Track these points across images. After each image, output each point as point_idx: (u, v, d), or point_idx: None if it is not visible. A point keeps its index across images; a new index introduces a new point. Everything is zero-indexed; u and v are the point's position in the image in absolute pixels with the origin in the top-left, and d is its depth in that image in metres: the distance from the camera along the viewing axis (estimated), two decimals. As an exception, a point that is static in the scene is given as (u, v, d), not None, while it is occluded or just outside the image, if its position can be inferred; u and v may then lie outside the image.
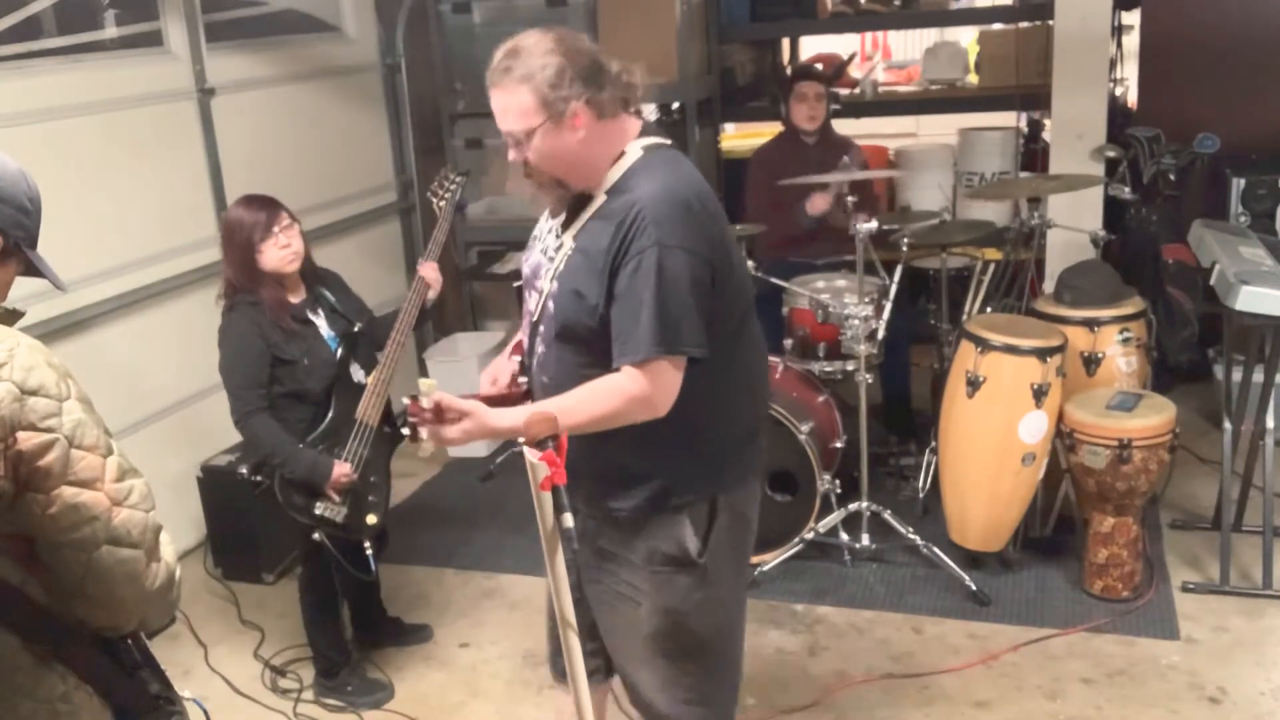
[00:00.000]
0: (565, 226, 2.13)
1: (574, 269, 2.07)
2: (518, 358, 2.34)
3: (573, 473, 1.82)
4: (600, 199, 2.06)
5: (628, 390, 2.01)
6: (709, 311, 2.02)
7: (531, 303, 2.22)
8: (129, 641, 1.59)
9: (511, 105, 2.01)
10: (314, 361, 3.02)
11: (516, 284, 4.87)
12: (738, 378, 2.18)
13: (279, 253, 2.98)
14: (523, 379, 2.32)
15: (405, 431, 2.16)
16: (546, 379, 2.18)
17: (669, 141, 2.13)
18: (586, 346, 2.08)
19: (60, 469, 1.42)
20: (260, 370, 2.95)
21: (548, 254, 2.17)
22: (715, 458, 2.19)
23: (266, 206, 2.98)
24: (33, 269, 1.62)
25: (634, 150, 2.07)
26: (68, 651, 1.51)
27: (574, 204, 2.10)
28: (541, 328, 2.18)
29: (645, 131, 2.11)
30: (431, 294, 3.23)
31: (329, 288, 3.17)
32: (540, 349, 2.20)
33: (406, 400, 2.11)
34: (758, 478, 2.35)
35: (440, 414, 2.11)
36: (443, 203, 3.36)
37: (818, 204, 4.25)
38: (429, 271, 3.21)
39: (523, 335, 2.33)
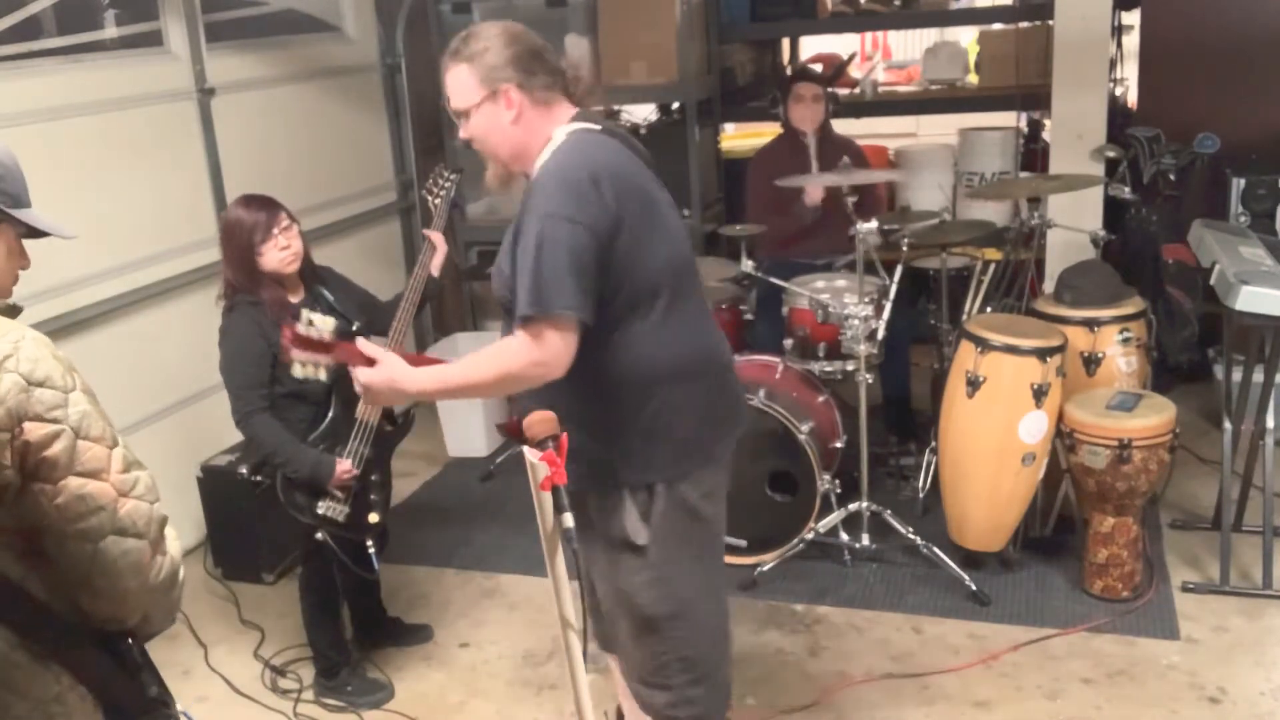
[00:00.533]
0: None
1: (504, 245, 2.26)
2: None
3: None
4: (529, 183, 2.24)
5: (512, 351, 2.12)
6: (597, 282, 2.11)
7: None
8: (129, 642, 1.59)
9: (456, 83, 2.25)
10: None
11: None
12: (668, 364, 2.23)
13: (279, 254, 2.98)
14: None
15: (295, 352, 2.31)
16: None
17: (597, 127, 2.25)
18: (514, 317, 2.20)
19: (67, 459, 1.43)
20: (261, 370, 2.95)
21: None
22: (651, 444, 2.24)
23: (266, 207, 2.98)
24: (31, 230, 1.61)
25: (559, 135, 2.21)
26: (66, 650, 1.51)
27: (510, 181, 2.32)
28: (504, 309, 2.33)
29: (584, 119, 2.24)
30: (437, 259, 3.23)
31: (328, 286, 3.17)
32: (503, 325, 2.35)
33: (290, 330, 2.27)
34: (713, 472, 2.34)
35: (327, 348, 2.29)
36: (437, 200, 3.38)
37: (814, 193, 4.25)
38: (436, 236, 3.24)
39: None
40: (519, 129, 2.22)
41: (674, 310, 2.26)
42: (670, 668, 2.36)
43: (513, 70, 2.20)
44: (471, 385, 2.21)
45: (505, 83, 2.19)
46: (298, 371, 2.49)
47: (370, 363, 2.21)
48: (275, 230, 2.97)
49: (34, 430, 1.41)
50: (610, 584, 2.36)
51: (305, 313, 2.40)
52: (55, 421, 1.43)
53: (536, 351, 2.10)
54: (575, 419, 2.13)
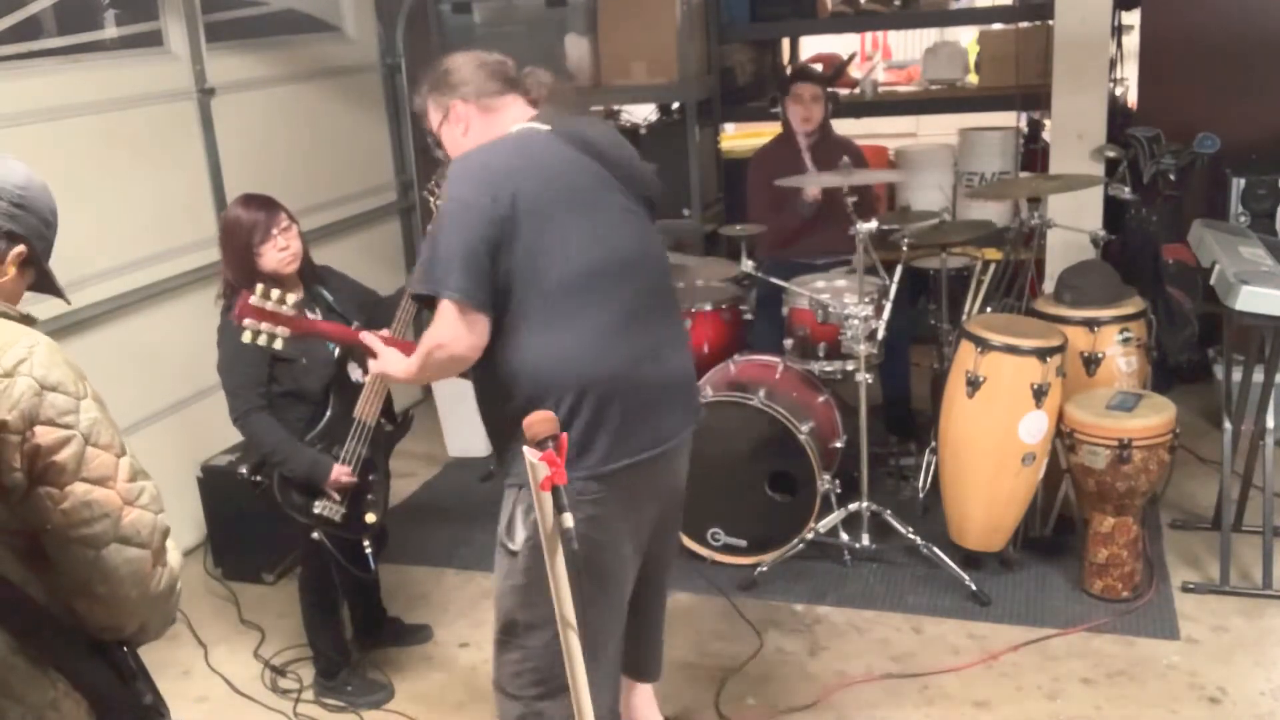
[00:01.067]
0: None
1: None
2: None
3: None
4: None
5: (431, 334, 2.21)
6: (489, 273, 2.16)
7: None
8: (125, 650, 1.60)
9: (426, 113, 2.43)
10: (312, 361, 3.02)
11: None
12: (558, 375, 2.19)
13: (278, 254, 2.98)
14: None
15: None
16: None
17: (546, 127, 2.32)
18: None
19: (75, 465, 1.44)
20: (259, 369, 2.95)
21: None
22: (512, 445, 2.17)
23: (265, 207, 2.98)
24: (41, 281, 1.65)
25: (512, 131, 2.32)
26: (64, 656, 1.51)
27: None
28: None
29: (545, 119, 2.35)
30: None
31: (326, 286, 3.16)
32: None
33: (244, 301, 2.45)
34: (604, 498, 2.23)
35: (282, 320, 2.46)
36: (440, 201, 3.37)
37: (811, 190, 4.26)
38: None
39: None
40: (469, 139, 2.35)
41: (579, 319, 2.22)
42: (523, 678, 2.35)
43: (458, 88, 2.35)
44: (418, 374, 2.31)
45: (451, 99, 2.36)
46: (246, 338, 2.51)
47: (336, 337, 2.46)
48: (274, 230, 2.96)
49: (45, 434, 1.42)
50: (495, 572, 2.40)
51: (260, 287, 2.49)
52: (66, 427, 1.44)
53: (444, 333, 2.17)
54: (481, 411, 2.35)
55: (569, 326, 2.21)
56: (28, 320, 1.56)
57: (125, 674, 1.59)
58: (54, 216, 1.63)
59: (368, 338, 2.51)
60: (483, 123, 2.35)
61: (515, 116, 2.35)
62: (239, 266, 2.97)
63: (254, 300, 2.46)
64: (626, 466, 2.25)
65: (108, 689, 1.56)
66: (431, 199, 3.42)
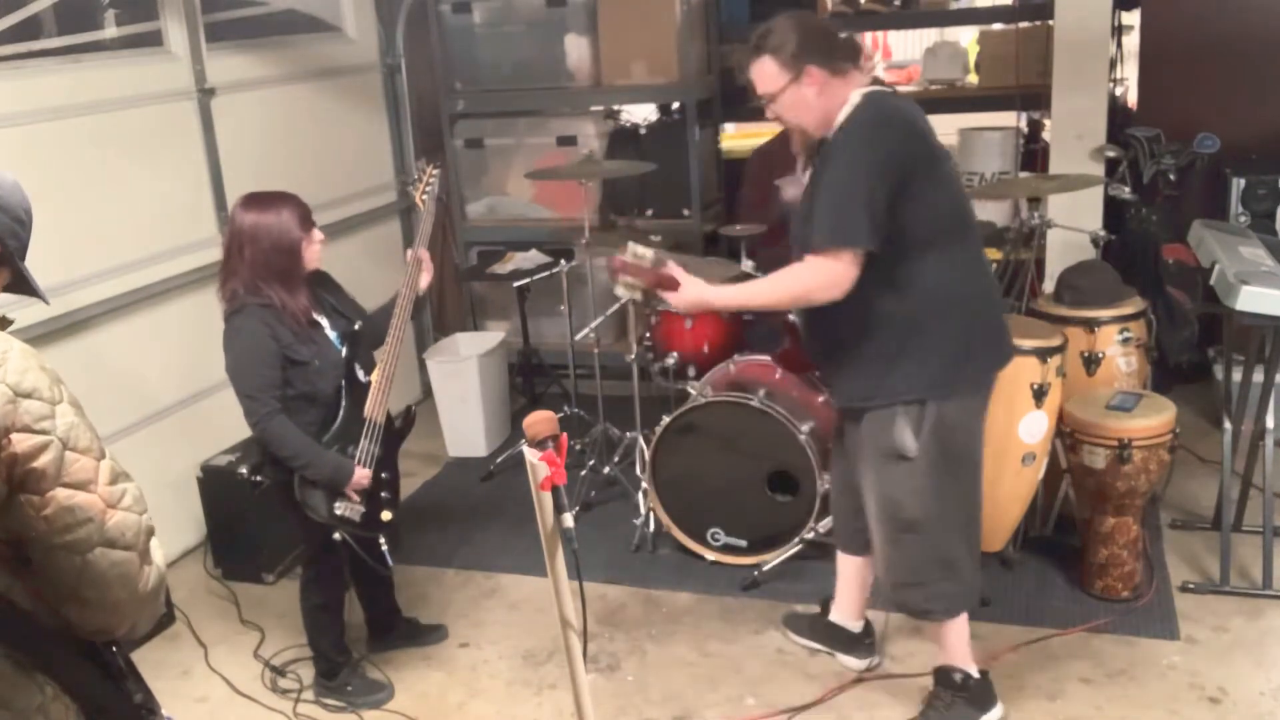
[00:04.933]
0: (807, 170, 2.70)
1: (806, 195, 2.64)
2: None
3: (822, 366, 2.90)
4: (830, 139, 2.58)
5: (804, 274, 2.54)
6: (886, 218, 2.45)
7: (796, 228, 2.73)
8: (114, 650, 1.59)
9: (761, 73, 2.59)
10: (324, 363, 3.00)
11: (519, 283, 4.91)
12: (944, 293, 2.58)
13: (316, 247, 2.98)
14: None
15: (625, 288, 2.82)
16: None
17: (888, 88, 2.64)
18: None
19: (54, 471, 1.42)
20: (275, 371, 2.91)
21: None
22: (924, 367, 2.60)
23: (291, 202, 2.95)
24: (18, 282, 1.62)
25: (854, 97, 2.56)
26: (51, 660, 1.50)
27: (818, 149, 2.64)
28: (796, 249, 2.65)
29: (873, 82, 2.61)
30: (425, 278, 3.26)
31: (325, 289, 3.16)
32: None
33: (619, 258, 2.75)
34: (975, 397, 2.73)
35: (645, 274, 2.76)
36: (424, 196, 3.40)
37: (788, 190, 4.26)
38: (423, 254, 3.27)
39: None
40: (823, 99, 2.56)
41: (953, 250, 2.60)
42: (926, 567, 2.76)
43: (812, 53, 2.53)
44: (770, 301, 2.69)
45: (808, 64, 2.53)
46: (621, 291, 2.87)
47: (676, 285, 2.70)
48: (313, 225, 2.96)
49: (22, 441, 1.40)
50: (876, 493, 2.74)
51: (630, 245, 2.78)
52: (43, 433, 1.42)
53: (827, 275, 2.49)
54: (857, 342, 2.61)
55: (952, 258, 2.59)
56: (3, 323, 1.54)
57: (114, 674, 1.58)
58: (28, 215, 1.60)
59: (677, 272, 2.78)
60: (834, 85, 2.56)
61: (859, 80, 2.58)
62: (279, 266, 2.92)
63: (627, 258, 2.73)
64: (993, 374, 2.76)
65: (97, 690, 1.55)
66: (416, 194, 3.44)
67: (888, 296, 2.56)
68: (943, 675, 2.91)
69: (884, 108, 2.56)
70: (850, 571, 3.17)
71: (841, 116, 2.56)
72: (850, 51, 2.61)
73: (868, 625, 3.24)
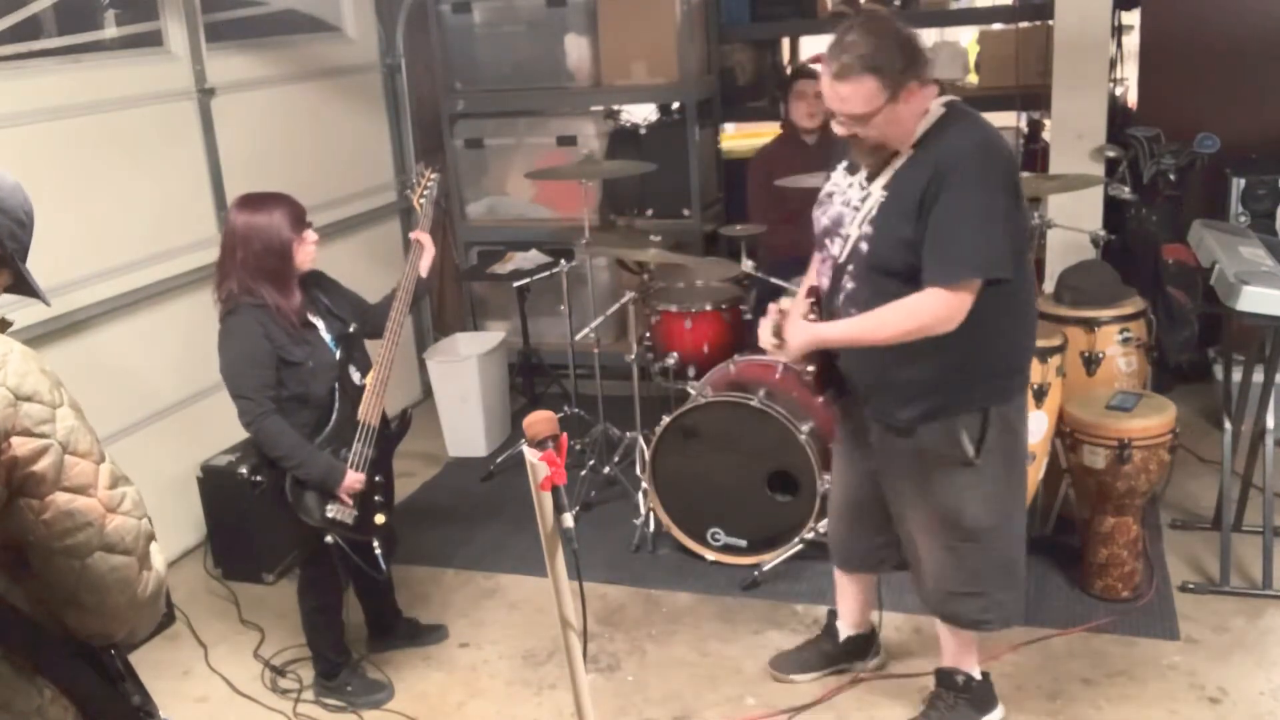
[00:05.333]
0: (871, 179, 2.51)
1: (887, 211, 2.44)
2: (810, 299, 2.69)
3: (866, 387, 2.60)
4: (908, 152, 2.44)
5: (932, 308, 2.37)
6: (1010, 239, 2.37)
7: (835, 248, 2.57)
8: (111, 652, 1.59)
9: (856, 93, 2.37)
10: (318, 364, 3.00)
11: (519, 283, 4.91)
12: (1018, 307, 2.55)
13: (309, 248, 2.98)
14: (811, 316, 2.68)
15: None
16: (856, 311, 2.52)
17: (957, 98, 2.52)
18: (900, 277, 2.42)
19: (54, 475, 1.41)
20: (269, 372, 2.92)
21: (851, 204, 2.53)
22: (992, 377, 2.55)
23: (285, 202, 2.96)
24: (18, 284, 1.61)
25: (935, 108, 2.45)
26: (49, 663, 1.50)
27: (882, 156, 2.48)
28: (850, 267, 2.53)
29: (940, 92, 2.50)
30: (425, 260, 3.27)
31: (321, 289, 3.16)
32: (850, 285, 2.54)
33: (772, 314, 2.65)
34: (1024, 393, 2.72)
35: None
36: (422, 200, 3.40)
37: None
38: (424, 237, 3.28)
39: (821, 279, 2.66)
40: (915, 114, 2.42)
41: (1026, 263, 2.54)
42: (985, 575, 2.69)
43: (912, 69, 2.37)
44: (881, 338, 2.45)
45: (910, 81, 2.36)
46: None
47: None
48: (306, 225, 2.96)
49: (22, 445, 1.39)
50: (930, 504, 2.64)
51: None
52: (43, 436, 1.41)
53: (951, 309, 2.35)
54: (918, 359, 2.47)
55: (1031, 278, 2.58)
56: (2, 325, 1.54)
57: (112, 676, 1.58)
58: (29, 217, 1.59)
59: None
60: (921, 99, 2.42)
61: (932, 90, 2.45)
62: (270, 268, 2.92)
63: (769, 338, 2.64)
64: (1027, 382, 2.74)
65: (95, 693, 1.54)
66: (414, 197, 3.44)
67: (982, 317, 2.42)
68: (945, 677, 2.90)
69: (981, 122, 2.46)
70: (856, 587, 3.10)
71: (923, 127, 2.43)
72: (928, 57, 2.47)
73: (871, 625, 3.23)
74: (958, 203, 2.33)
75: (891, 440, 2.65)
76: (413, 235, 3.32)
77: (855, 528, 2.94)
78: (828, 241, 2.60)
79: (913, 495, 2.68)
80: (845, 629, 3.15)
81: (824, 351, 2.65)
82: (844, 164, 2.64)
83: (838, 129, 2.46)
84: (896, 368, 2.53)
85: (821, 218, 2.63)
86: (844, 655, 3.16)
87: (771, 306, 2.53)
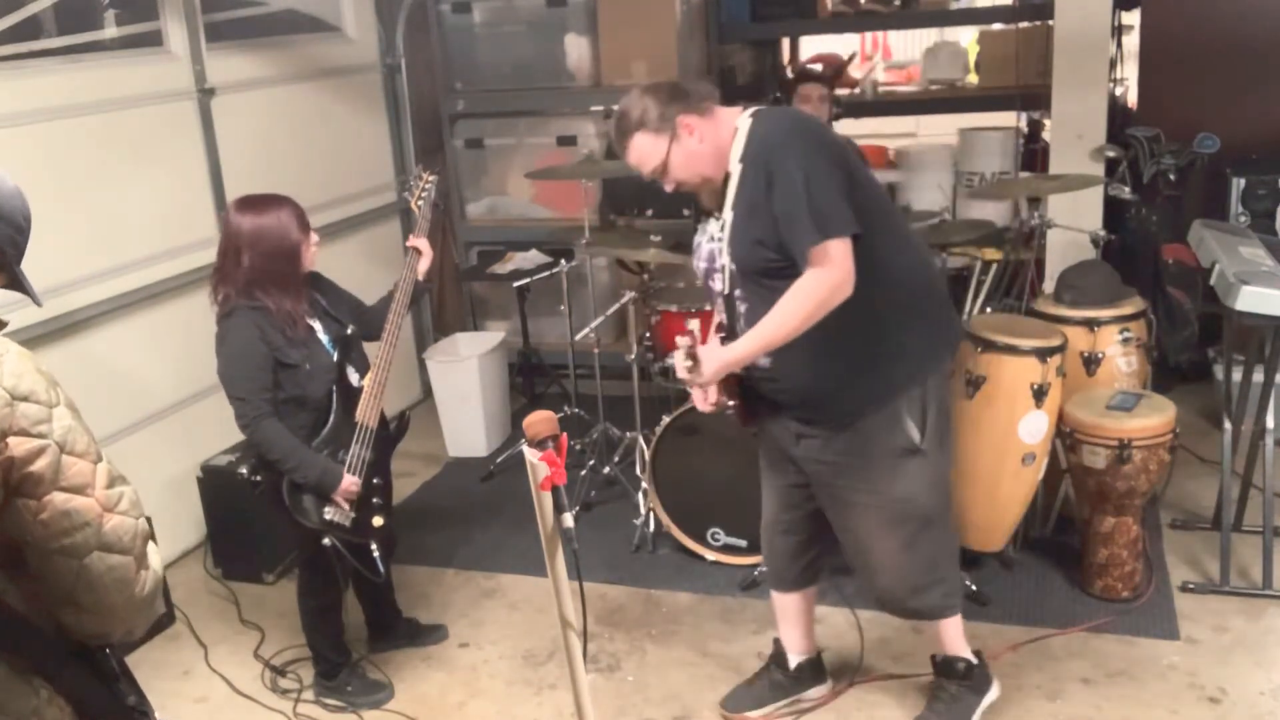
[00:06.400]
0: (720, 208, 2.54)
1: (739, 227, 2.48)
2: (720, 334, 2.70)
3: (801, 398, 2.57)
4: (736, 169, 2.48)
5: (814, 285, 2.37)
6: (854, 195, 2.39)
7: (718, 282, 2.60)
8: (107, 652, 1.59)
9: (640, 152, 2.53)
10: (314, 366, 2.99)
11: (519, 284, 4.91)
12: (909, 269, 2.58)
13: (314, 250, 2.98)
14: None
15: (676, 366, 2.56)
16: None
17: (762, 106, 2.58)
18: (778, 275, 2.44)
19: (51, 475, 1.41)
20: (266, 374, 2.91)
21: (715, 238, 2.57)
22: (919, 339, 2.58)
23: (286, 204, 2.95)
24: (12, 284, 1.62)
25: (743, 122, 2.50)
26: (45, 663, 1.50)
27: (721, 189, 2.54)
28: (738, 292, 2.56)
29: (746, 106, 2.56)
30: (423, 264, 3.27)
31: (319, 290, 3.16)
32: (743, 307, 2.57)
33: (681, 344, 2.53)
34: (950, 362, 2.74)
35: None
36: (420, 203, 3.40)
37: None
38: (421, 241, 3.28)
39: (719, 314, 2.68)
40: (708, 141, 2.50)
41: (897, 229, 2.61)
42: (940, 560, 2.74)
43: (674, 107, 2.49)
44: (789, 331, 2.41)
45: (677, 118, 2.48)
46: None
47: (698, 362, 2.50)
48: (310, 228, 2.96)
49: (18, 445, 1.39)
50: (884, 498, 2.62)
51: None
52: (40, 436, 1.41)
53: (835, 274, 2.37)
54: (847, 349, 2.50)
55: (907, 242, 2.61)
56: None
57: (108, 676, 1.58)
58: (27, 222, 1.60)
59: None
60: (710, 125, 2.50)
61: (734, 111, 2.54)
62: (278, 270, 2.92)
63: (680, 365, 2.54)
64: (953, 350, 2.75)
65: (91, 692, 1.55)
66: (411, 199, 3.44)
67: (867, 287, 2.42)
68: (947, 666, 2.90)
69: (785, 112, 2.55)
70: (796, 607, 3.02)
71: (739, 144, 2.47)
72: (702, 90, 2.56)
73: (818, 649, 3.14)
74: (783, 183, 2.38)
75: (830, 446, 2.61)
76: (410, 241, 3.31)
77: (784, 546, 2.93)
78: (710, 283, 2.63)
79: (861, 496, 2.64)
80: (794, 656, 3.06)
81: (740, 383, 2.64)
82: (700, 217, 2.67)
83: (666, 189, 2.59)
84: (828, 368, 2.53)
85: (699, 263, 2.66)
86: (795, 684, 3.06)
87: (679, 337, 2.50)
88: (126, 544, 1.48)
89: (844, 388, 2.56)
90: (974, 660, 2.90)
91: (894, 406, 2.56)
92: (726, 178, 2.50)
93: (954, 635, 2.87)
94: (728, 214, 2.50)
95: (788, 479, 2.81)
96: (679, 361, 2.49)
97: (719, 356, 2.49)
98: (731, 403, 2.67)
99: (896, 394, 2.56)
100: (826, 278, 2.36)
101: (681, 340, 2.47)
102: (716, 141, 2.49)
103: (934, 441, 2.61)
